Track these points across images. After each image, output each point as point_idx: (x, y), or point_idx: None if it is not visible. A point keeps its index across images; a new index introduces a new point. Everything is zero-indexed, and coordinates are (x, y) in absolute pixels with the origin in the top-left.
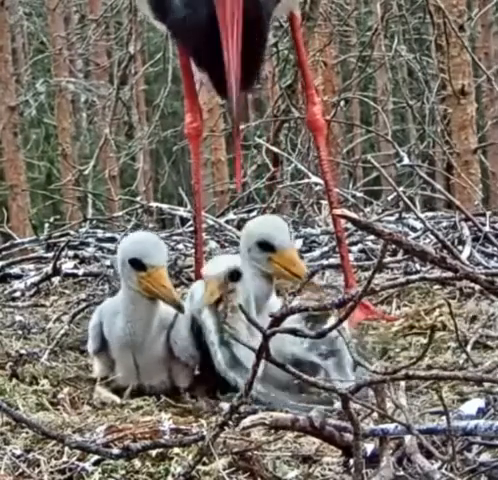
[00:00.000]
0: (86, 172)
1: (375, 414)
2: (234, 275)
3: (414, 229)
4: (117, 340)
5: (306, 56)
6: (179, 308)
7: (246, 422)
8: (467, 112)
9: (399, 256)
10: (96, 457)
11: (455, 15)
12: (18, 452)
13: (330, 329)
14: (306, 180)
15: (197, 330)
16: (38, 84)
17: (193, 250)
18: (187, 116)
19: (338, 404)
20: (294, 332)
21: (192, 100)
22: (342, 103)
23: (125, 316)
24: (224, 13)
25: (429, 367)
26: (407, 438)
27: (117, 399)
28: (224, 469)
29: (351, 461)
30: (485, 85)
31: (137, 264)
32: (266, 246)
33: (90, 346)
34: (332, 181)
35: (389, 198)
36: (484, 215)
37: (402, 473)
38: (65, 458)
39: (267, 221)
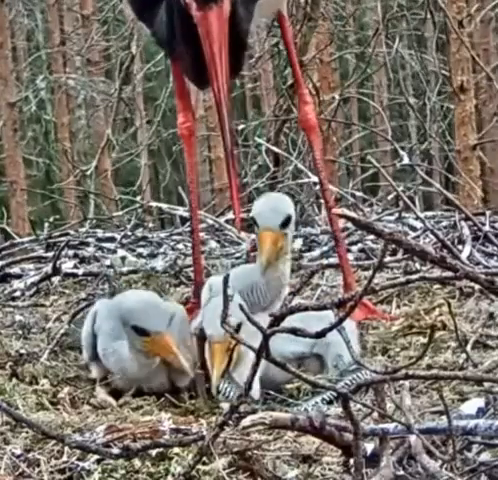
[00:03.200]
0: (88, 172)
1: (375, 413)
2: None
3: (414, 228)
4: (119, 369)
5: (297, 56)
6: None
7: (246, 422)
8: (466, 108)
9: (399, 256)
10: (96, 457)
11: (454, 11)
12: (18, 452)
13: (330, 328)
14: (306, 179)
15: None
16: (38, 80)
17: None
18: (179, 116)
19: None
20: (294, 332)
21: (184, 100)
22: (336, 96)
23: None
24: (211, 49)
25: (429, 367)
26: (412, 438)
27: (113, 402)
28: (224, 469)
29: (351, 461)
30: (484, 82)
31: (140, 331)
32: None
33: (84, 354)
34: (326, 180)
35: (389, 197)
36: (484, 214)
37: (402, 473)
38: (65, 458)
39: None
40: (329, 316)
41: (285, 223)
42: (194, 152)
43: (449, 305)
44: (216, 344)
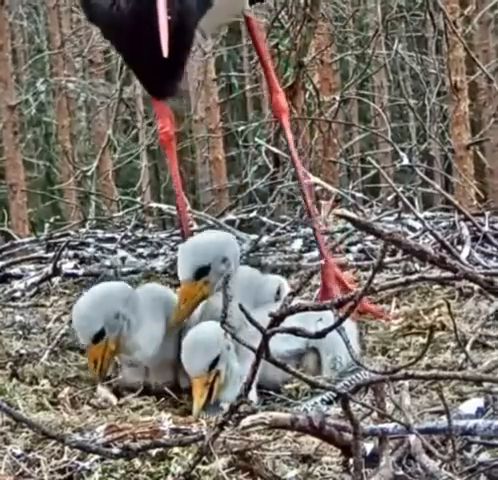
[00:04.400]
0: (89, 173)
1: (375, 413)
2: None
3: (413, 229)
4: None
5: (267, 54)
6: None
7: (246, 422)
8: (460, 108)
9: (398, 256)
10: (96, 457)
11: (448, 11)
12: (18, 452)
13: (330, 328)
14: (306, 180)
15: None
16: (38, 83)
17: None
18: (158, 122)
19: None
20: (294, 332)
21: (159, 106)
22: (337, 98)
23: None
24: None
25: (428, 367)
26: (412, 438)
27: (114, 400)
28: (224, 469)
29: (350, 461)
30: (484, 83)
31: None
32: None
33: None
34: (298, 160)
35: (389, 198)
36: (483, 215)
37: (402, 473)
38: (65, 458)
39: None
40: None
41: (199, 274)
42: (175, 156)
43: (448, 305)
44: (195, 379)
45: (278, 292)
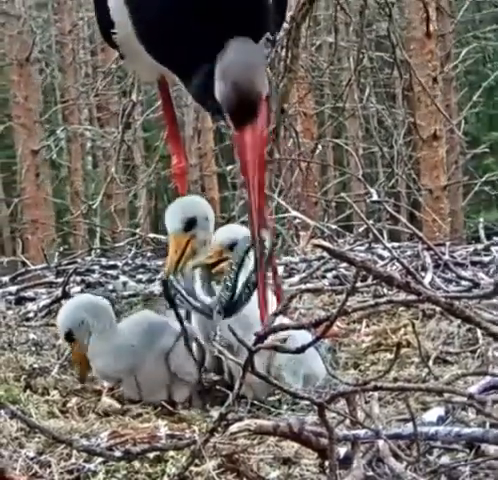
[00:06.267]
0: (94, 206)
1: (348, 421)
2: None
3: (382, 257)
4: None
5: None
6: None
7: (233, 428)
8: (438, 154)
9: (369, 281)
10: (100, 459)
11: (430, 69)
12: (31, 454)
13: (308, 345)
14: (287, 214)
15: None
16: (59, 130)
17: None
18: (173, 158)
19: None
20: (275, 348)
21: (176, 143)
22: (319, 147)
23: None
24: (247, 165)
25: (395, 379)
26: (380, 443)
27: (118, 406)
28: (214, 470)
29: (326, 463)
30: (447, 134)
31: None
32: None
33: (95, 371)
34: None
35: (360, 230)
36: (444, 245)
37: (371, 474)
38: (73, 460)
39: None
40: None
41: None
42: (186, 189)
43: (413, 325)
44: (172, 237)
45: None
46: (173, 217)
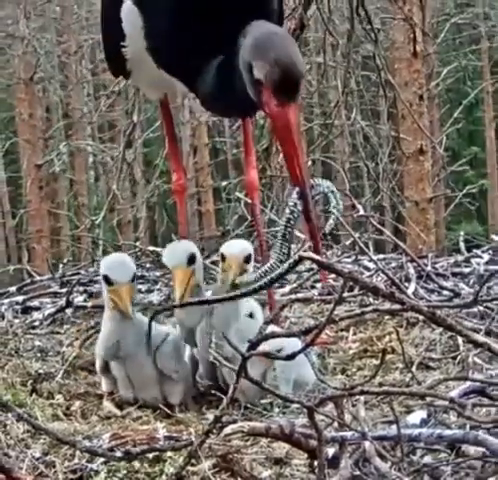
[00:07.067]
0: (97, 222)
1: (336, 423)
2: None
3: (368, 269)
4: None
5: (252, 137)
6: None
7: (227, 430)
8: (424, 167)
9: (355, 291)
10: (102, 459)
11: (416, 87)
12: (37, 455)
13: (298, 352)
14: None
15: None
16: (61, 146)
17: None
18: (173, 175)
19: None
20: (268, 355)
21: (176, 161)
22: (309, 163)
23: (104, 333)
24: (292, 141)
25: (381, 384)
26: (366, 444)
27: (118, 412)
28: (209, 469)
29: (315, 463)
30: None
31: (107, 279)
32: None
33: (97, 365)
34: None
35: (347, 243)
36: (427, 257)
37: (358, 473)
38: (76, 460)
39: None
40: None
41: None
42: (185, 205)
43: (397, 333)
44: (176, 270)
45: (251, 315)
46: (176, 253)
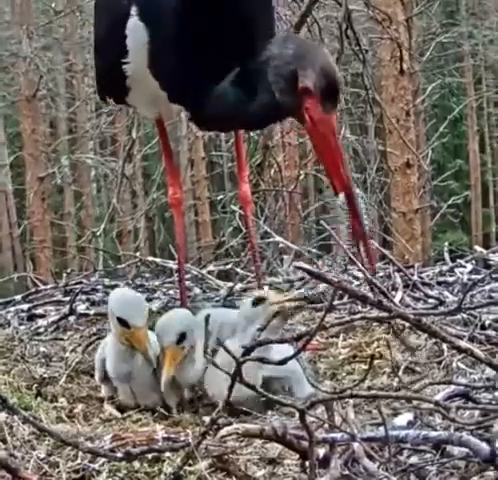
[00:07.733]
0: (97, 233)
1: (326, 425)
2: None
3: (357, 278)
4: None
5: (244, 153)
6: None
7: (223, 432)
8: (411, 180)
9: (345, 299)
10: (104, 460)
11: (403, 103)
12: (42, 456)
13: (290, 357)
14: (271, 239)
15: None
16: (63, 159)
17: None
18: (170, 189)
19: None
20: (261, 360)
21: (173, 176)
22: (302, 176)
23: (113, 359)
24: (334, 147)
25: (369, 388)
26: (356, 445)
27: (118, 414)
28: (206, 469)
29: (306, 463)
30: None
31: (123, 322)
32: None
33: (96, 375)
34: (254, 237)
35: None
36: (413, 267)
37: (347, 473)
38: (79, 460)
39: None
40: None
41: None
42: (182, 218)
43: (385, 339)
44: (167, 350)
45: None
46: (165, 331)
